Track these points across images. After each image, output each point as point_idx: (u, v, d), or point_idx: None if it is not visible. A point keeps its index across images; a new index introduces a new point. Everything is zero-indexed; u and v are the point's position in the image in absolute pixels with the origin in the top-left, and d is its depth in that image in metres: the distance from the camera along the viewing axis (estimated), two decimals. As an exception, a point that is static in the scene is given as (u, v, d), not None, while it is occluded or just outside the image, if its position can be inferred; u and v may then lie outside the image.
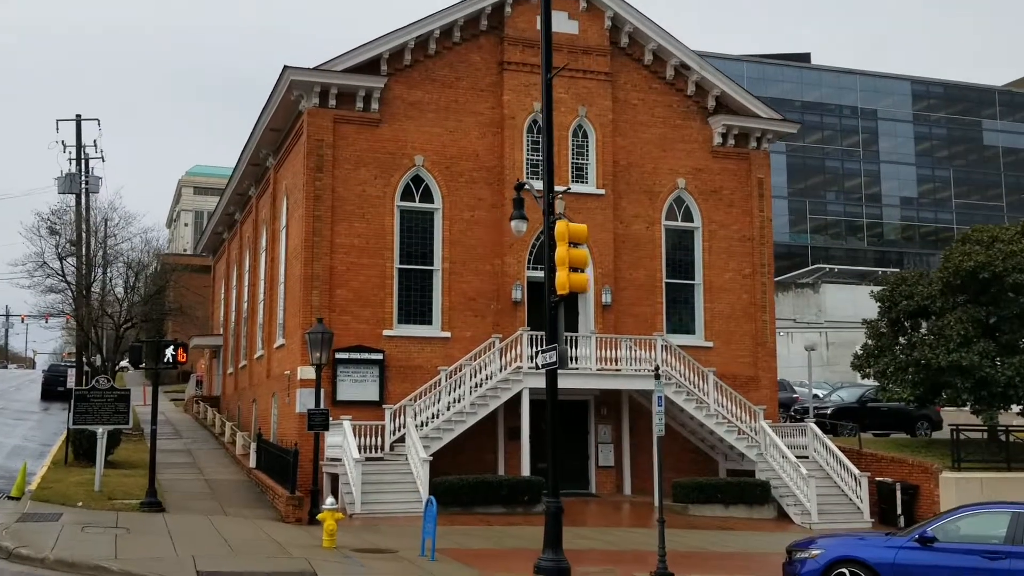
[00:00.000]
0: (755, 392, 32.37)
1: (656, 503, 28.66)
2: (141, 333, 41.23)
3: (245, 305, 41.49)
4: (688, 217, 33.41)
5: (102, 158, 49.40)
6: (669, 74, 33.26)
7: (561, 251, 16.24)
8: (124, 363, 61.29)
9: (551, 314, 16.51)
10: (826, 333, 75.73)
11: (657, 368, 18.91)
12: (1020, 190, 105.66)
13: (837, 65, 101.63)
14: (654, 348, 29.59)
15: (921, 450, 31.09)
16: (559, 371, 28.50)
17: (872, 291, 33.00)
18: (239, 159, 38.54)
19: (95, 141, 45.93)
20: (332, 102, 29.69)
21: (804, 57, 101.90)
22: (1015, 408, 31.57)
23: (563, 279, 16.14)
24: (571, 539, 20.98)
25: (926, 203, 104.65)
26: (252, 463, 28.87)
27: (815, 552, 14.68)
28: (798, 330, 73.21)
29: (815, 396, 39.48)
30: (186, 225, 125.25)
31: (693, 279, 33.27)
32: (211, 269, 55.92)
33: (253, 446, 29.19)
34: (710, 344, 32.71)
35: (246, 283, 41.53)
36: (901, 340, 31.94)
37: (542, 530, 23.62)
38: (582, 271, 16.38)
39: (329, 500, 18.31)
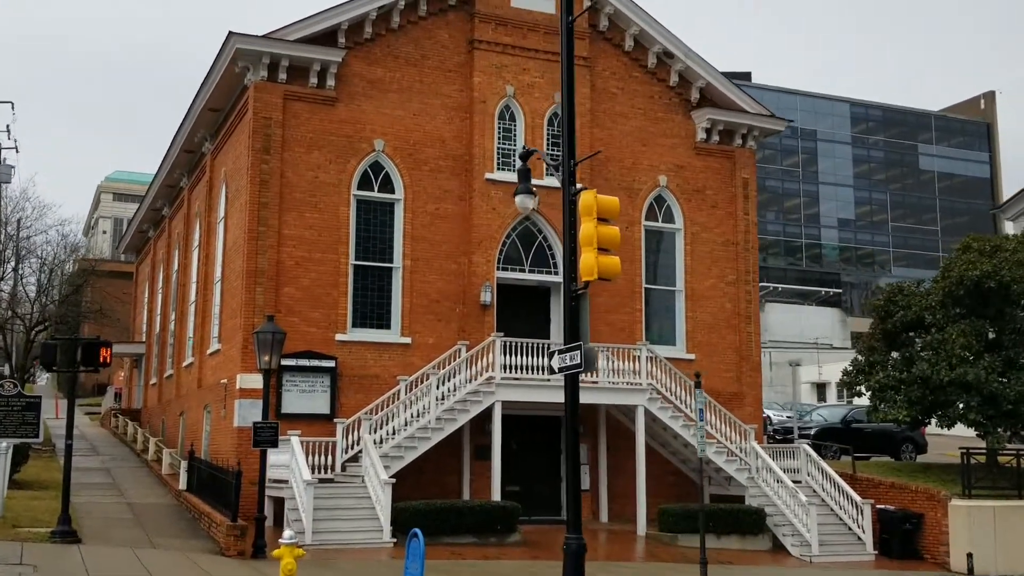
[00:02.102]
0: (739, 410, 29.68)
1: (641, 532, 25.91)
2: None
3: (172, 309, 37.67)
4: (669, 218, 30.68)
5: (16, 148, 45.31)
6: (651, 62, 30.58)
7: (588, 228, 13.22)
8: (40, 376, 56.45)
9: (572, 307, 13.47)
10: (770, 353, 73.90)
11: (698, 376, 16.00)
12: (954, 215, 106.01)
13: (778, 84, 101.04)
14: (637, 359, 26.73)
15: (918, 475, 28.68)
16: (535, 382, 25.64)
17: (868, 300, 30.72)
18: (170, 146, 34.85)
19: (8, 127, 41.79)
20: (283, 76, 26.33)
21: (745, 76, 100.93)
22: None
23: (590, 262, 13.12)
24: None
25: (863, 225, 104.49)
26: (182, 484, 25.21)
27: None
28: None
29: (769, 416, 37.17)
30: (104, 232, 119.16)
31: (674, 285, 30.51)
32: (133, 274, 51.71)
33: (183, 465, 25.52)
34: (692, 356, 29.94)
35: (174, 285, 37.72)
36: (894, 355, 29.68)
37: (523, 565, 20.62)
38: (613, 253, 13.38)
39: (287, 533, 14.90)
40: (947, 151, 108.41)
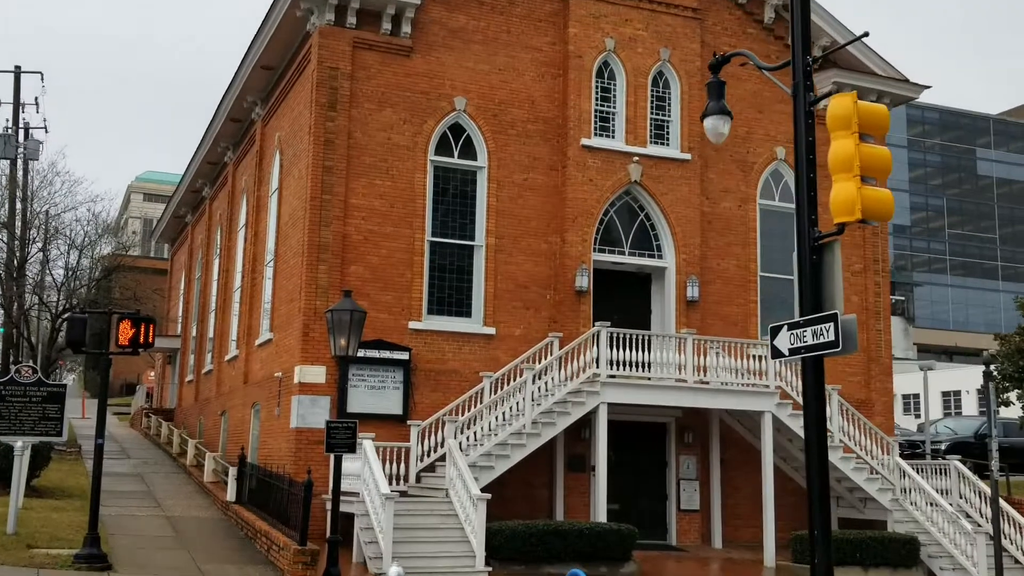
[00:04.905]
0: (868, 419, 25.52)
1: (770, 562, 21.61)
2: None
3: (213, 298, 33.99)
4: (787, 196, 26.65)
5: (45, 128, 41.89)
6: (768, 16, 26.63)
7: (844, 146, 9.24)
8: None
9: (812, 261, 9.51)
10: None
11: (989, 363, 11.93)
12: (1014, 222, 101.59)
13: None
14: (763, 358, 22.70)
15: (1081, 497, 24.56)
16: (643, 381, 21.69)
17: (1015, 298, 26.58)
18: (213, 116, 31.21)
19: (36, 99, 38.34)
20: (351, 20, 22.57)
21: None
22: None
23: (849, 195, 9.10)
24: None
25: (919, 232, 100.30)
26: (230, 495, 21.37)
27: None
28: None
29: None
30: (134, 233, 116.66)
31: (792, 274, 26.36)
32: (168, 266, 48.19)
33: (232, 472, 21.68)
34: (814, 356, 25.84)
35: (215, 271, 34.05)
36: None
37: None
38: (882, 185, 9.42)
39: (394, 570, 11.06)
40: (1006, 156, 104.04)
